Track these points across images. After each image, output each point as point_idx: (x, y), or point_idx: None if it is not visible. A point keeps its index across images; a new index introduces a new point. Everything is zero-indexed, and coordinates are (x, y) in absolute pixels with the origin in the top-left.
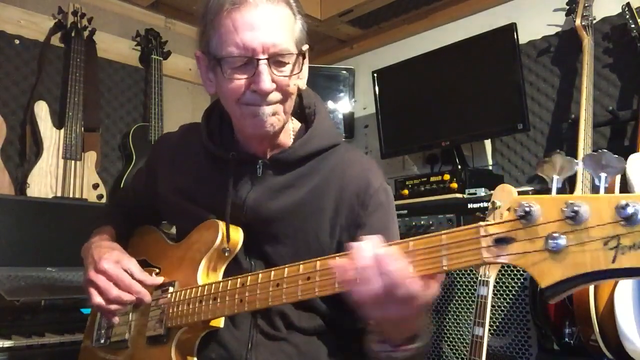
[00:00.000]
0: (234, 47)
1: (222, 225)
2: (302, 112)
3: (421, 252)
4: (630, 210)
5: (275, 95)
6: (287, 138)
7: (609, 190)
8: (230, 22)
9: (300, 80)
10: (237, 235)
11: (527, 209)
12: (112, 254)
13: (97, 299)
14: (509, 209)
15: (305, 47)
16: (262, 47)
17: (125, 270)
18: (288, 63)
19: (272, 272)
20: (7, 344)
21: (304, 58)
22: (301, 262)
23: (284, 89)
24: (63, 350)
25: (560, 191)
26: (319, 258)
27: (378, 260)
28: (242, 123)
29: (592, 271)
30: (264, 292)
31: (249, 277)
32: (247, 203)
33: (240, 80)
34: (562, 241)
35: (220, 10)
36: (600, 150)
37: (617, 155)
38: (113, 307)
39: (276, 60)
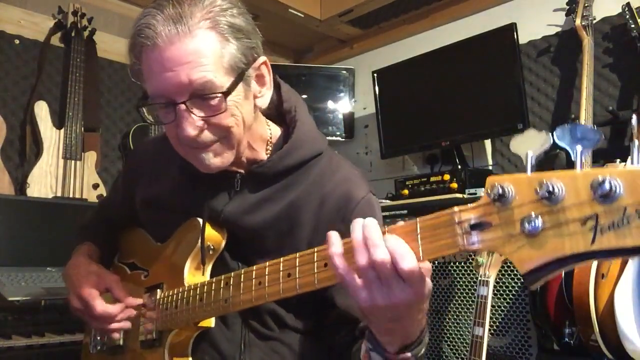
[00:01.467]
0: (153, 90)
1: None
2: (283, 117)
3: None
4: (607, 186)
5: (208, 136)
6: (262, 149)
7: None
8: (146, 62)
9: (260, 99)
10: (220, 232)
11: (500, 190)
12: (90, 277)
13: (92, 323)
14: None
15: (259, 62)
16: (178, 88)
17: (107, 288)
18: (216, 97)
19: (254, 271)
20: (7, 344)
21: (246, 82)
22: (282, 259)
23: (216, 127)
24: (63, 350)
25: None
26: (299, 253)
27: (370, 233)
28: (188, 160)
29: (571, 254)
30: (247, 293)
31: (232, 277)
32: (223, 216)
33: (168, 123)
34: (539, 223)
35: (139, 49)
36: (573, 122)
37: (592, 127)
38: (106, 326)
39: (198, 99)
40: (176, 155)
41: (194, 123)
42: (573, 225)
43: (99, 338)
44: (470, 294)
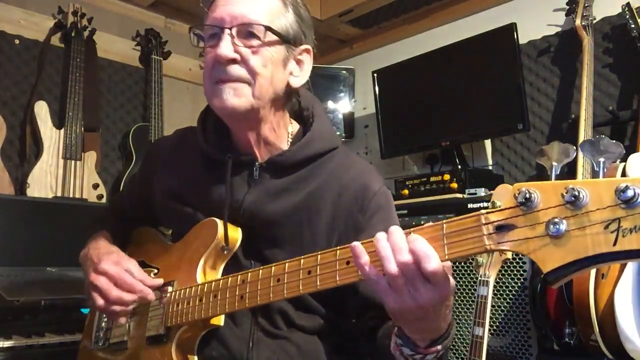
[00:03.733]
0: (211, 18)
1: (220, 223)
2: (300, 114)
3: None
4: (630, 193)
5: (237, 70)
6: (284, 140)
7: None
8: (215, 1)
9: (294, 78)
10: (236, 233)
11: (527, 195)
12: (111, 256)
13: (100, 301)
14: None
15: (303, 47)
16: (230, 17)
17: (126, 270)
18: (258, 38)
19: (273, 268)
20: (7, 344)
21: (288, 45)
22: (302, 257)
23: (248, 64)
24: (63, 350)
25: (559, 179)
26: (319, 252)
27: (395, 239)
28: (210, 102)
29: (594, 254)
30: (264, 288)
31: (250, 274)
32: (244, 205)
33: (211, 53)
34: (563, 226)
35: None
36: (598, 136)
37: (614, 141)
38: (117, 308)
39: (244, 32)
40: (196, 146)
41: (231, 47)
42: (596, 228)
43: (101, 334)
44: (470, 294)
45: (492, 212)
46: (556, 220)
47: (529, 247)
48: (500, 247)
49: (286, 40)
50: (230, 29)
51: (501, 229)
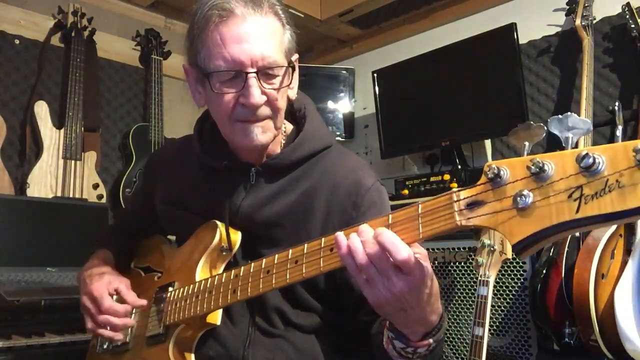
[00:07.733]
0: (222, 61)
1: (220, 225)
2: (293, 115)
3: (400, 223)
4: (589, 160)
5: (265, 110)
6: (278, 143)
7: None
8: (218, 36)
9: (291, 91)
10: (236, 235)
11: (495, 171)
12: (103, 278)
13: (89, 324)
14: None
15: (295, 57)
16: (251, 60)
17: (116, 290)
18: (277, 75)
19: (264, 261)
20: (7, 344)
21: (293, 69)
22: (291, 249)
23: (273, 103)
24: (63, 350)
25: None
26: (307, 242)
27: (364, 235)
28: (232, 139)
29: (558, 223)
30: (255, 280)
31: (242, 268)
32: (241, 210)
33: (229, 95)
34: (529, 199)
35: (208, 23)
36: (566, 113)
37: (582, 117)
38: (105, 332)
39: (265, 73)
40: (194, 155)
41: (260, 93)
42: (560, 197)
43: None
44: (470, 294)
45: (464, 189)
46: (523, 193)
47: (497, 220)
48: (470, 223)
49: (291, 63)
50: (256, 73)
51: (472, 205)
